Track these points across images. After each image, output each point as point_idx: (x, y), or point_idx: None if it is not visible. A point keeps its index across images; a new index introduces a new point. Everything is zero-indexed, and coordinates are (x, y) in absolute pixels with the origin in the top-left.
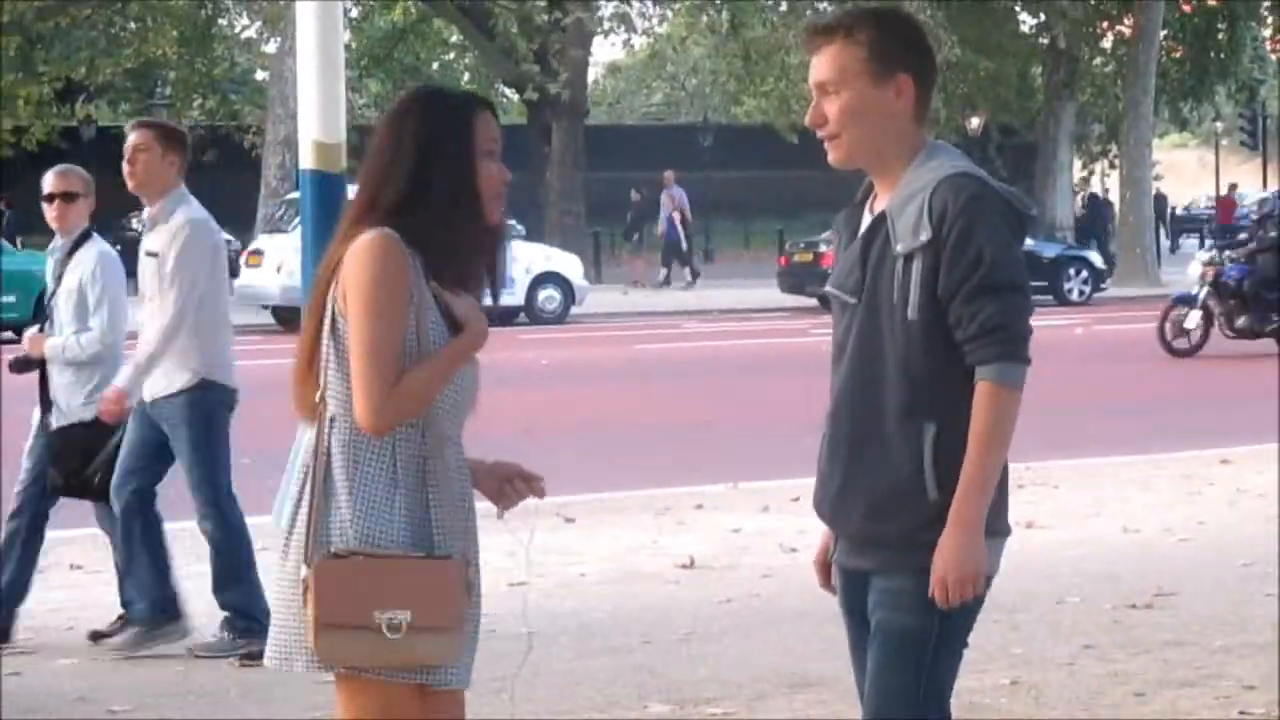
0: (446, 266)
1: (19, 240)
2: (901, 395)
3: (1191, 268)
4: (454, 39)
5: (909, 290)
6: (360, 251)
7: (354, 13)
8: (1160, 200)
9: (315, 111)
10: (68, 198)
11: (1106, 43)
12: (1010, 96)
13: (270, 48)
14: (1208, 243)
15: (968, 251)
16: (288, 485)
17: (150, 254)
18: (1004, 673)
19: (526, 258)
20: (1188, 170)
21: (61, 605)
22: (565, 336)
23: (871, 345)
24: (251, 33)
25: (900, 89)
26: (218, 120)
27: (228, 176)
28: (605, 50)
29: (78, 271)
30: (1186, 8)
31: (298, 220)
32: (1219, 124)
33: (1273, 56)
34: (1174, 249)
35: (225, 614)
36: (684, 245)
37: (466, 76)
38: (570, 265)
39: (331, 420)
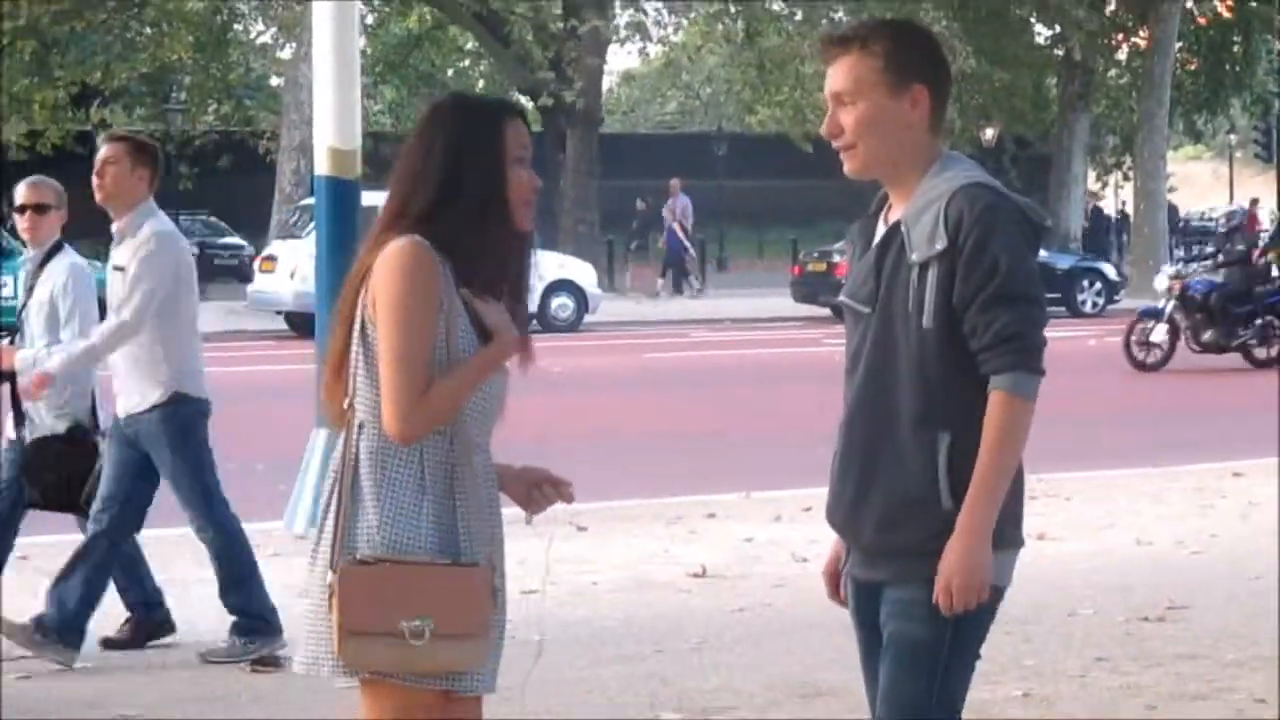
0: (476, 273)
1: None
2: (915, 404)
3: (1158, 281)
4: (469, 46)
5: (924, 299)
6: (390, 259)
7: (369, 19)
8: (1172, 212)
9: (331, 117)
10: (40, 209)
11: (1121, 54)
12: (1025, 108)
13: (285, 53)
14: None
15: (983, 260)
16: (301, 490)
17: (118, 268)
18: (1016, 684)
19: (539, 265)
20: (1201, 182)
21: None
22: (578, 344)
23: (886, 355)
24: (267, 38)
25: (916, 100)
26: (232, 125)
27: (242, 182)
28: (620, 58)
29: (49, 284)
30: (1202, 20)
31: (312, 226)
32: (1233, 136)
33: None
34: (1188, 261)
35: (233, 618)
36: (685, 255)
37: (481, 84)
38: (584, 273)
39: (360, 427)
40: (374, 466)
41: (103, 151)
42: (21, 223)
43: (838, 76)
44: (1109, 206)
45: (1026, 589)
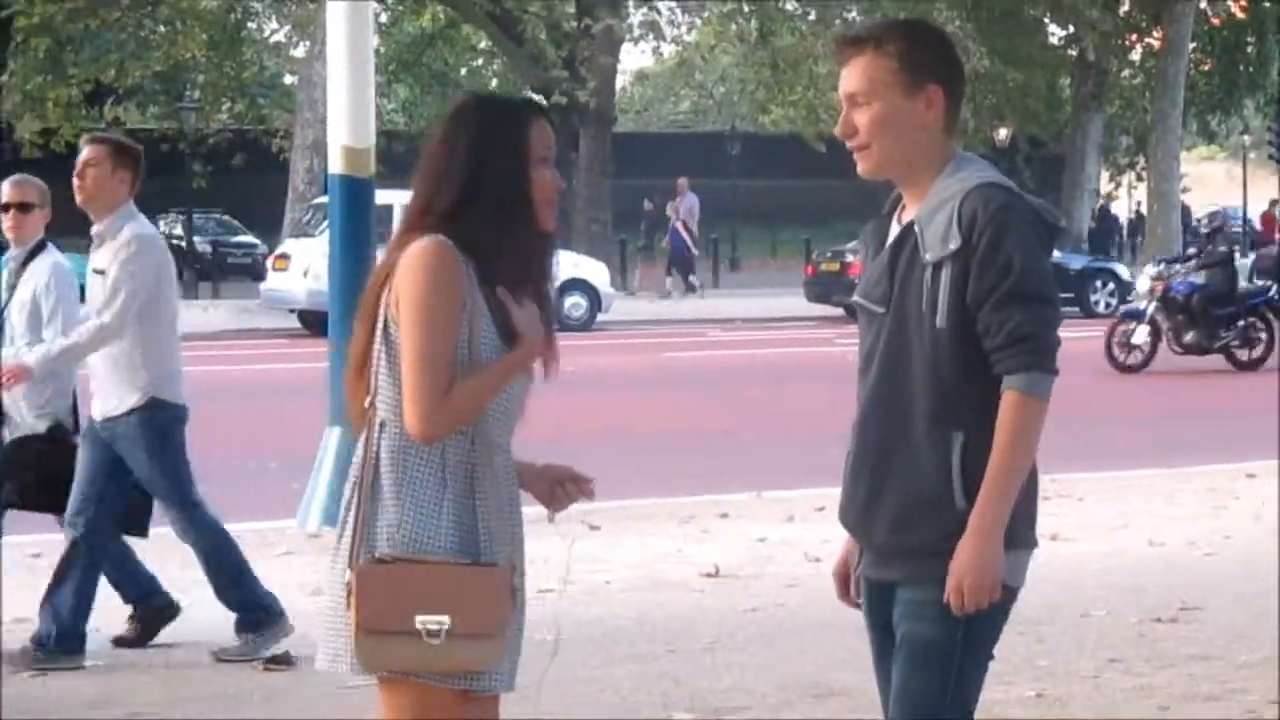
0: (499, 273)
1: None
2: (929, 404)
3: (1140, 282)
4: (482, 45)
5: (938, 298)
6: (413, 259)
7: (383, 18)
8: (1184, 212)
9: (344, 116)
10: (23, 208)
11: (1135, 55)
12: (1038, 108)
13: (299, 52)
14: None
15: (997, 259)
16: (314, 488)
17: (98, 271)
18: (1029, 685)
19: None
20: (1215, 183)
21: None
22: (591, 343)
23: (899, 355)
24: (280, 37)
25: (930, 100)
26: (246, 124)
27: (255, 180)
28: (634, 58)
29: (32, 283)
30: (1215, 21)
31: (325, 224)
32: (1247, 137)
33: None
34: (1170, 262)
35: (236, 615)
36: (689, 255)
37: (494, 82)
38: (597, 272)
39: (381, 425)
40: (395, 465)
41: (84, 154)
42: (5, 221)
43: (852, 77)
44: (1123, 207)
45: (1039, 590)
